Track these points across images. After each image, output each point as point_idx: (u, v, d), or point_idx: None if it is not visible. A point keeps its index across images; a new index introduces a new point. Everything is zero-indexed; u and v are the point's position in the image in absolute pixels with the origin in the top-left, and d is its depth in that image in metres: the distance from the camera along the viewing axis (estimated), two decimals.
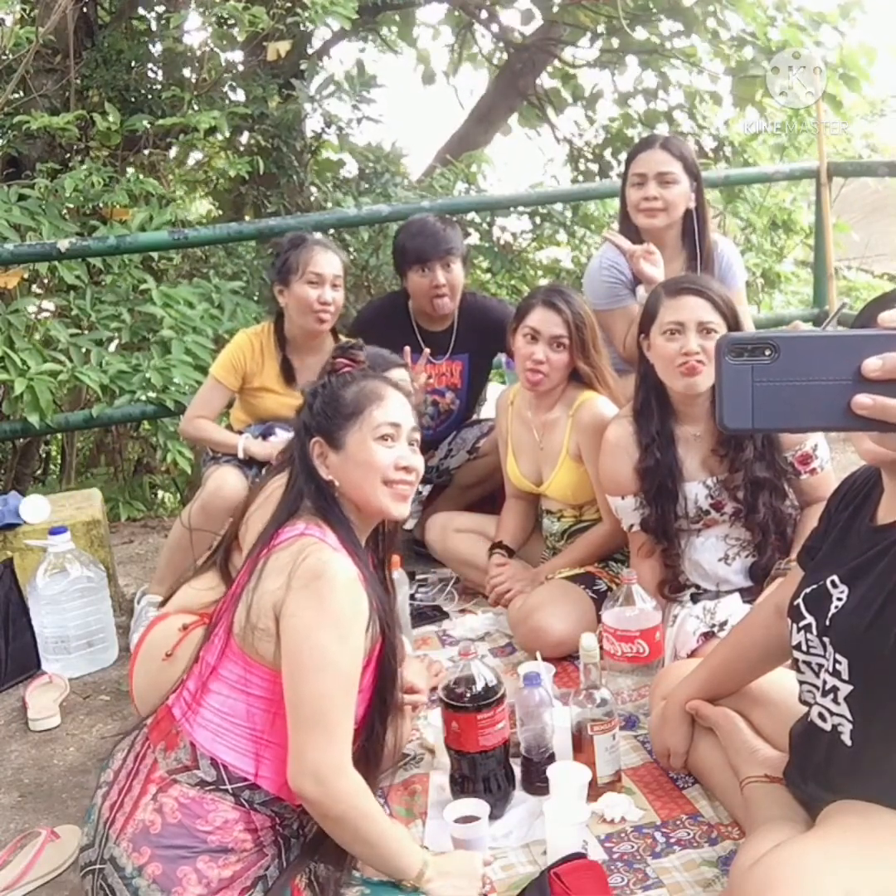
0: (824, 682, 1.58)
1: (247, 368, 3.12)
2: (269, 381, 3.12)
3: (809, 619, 1.61)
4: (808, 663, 1.62)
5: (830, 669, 1.56)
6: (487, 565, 2.95)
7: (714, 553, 2.54)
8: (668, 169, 3.01)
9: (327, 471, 1.78)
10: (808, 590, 1.64)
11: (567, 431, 2.80)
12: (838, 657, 1.55)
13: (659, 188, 3.01)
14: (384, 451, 1.79)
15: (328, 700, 1.59)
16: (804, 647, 1.62)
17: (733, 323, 2.39)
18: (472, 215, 5.72)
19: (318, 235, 3.23)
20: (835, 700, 1.56)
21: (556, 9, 6.29)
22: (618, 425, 2.59)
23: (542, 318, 2.74)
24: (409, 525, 3.61)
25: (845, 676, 1.54)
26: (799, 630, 1.64)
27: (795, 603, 1.65)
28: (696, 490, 2.50)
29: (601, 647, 2.27)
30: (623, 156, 6.63)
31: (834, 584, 1.59)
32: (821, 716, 1.60)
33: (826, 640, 1.57)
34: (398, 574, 2.73)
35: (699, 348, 2.36)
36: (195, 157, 5.56)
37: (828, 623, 1.57)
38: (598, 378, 2.80)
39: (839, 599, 1.56)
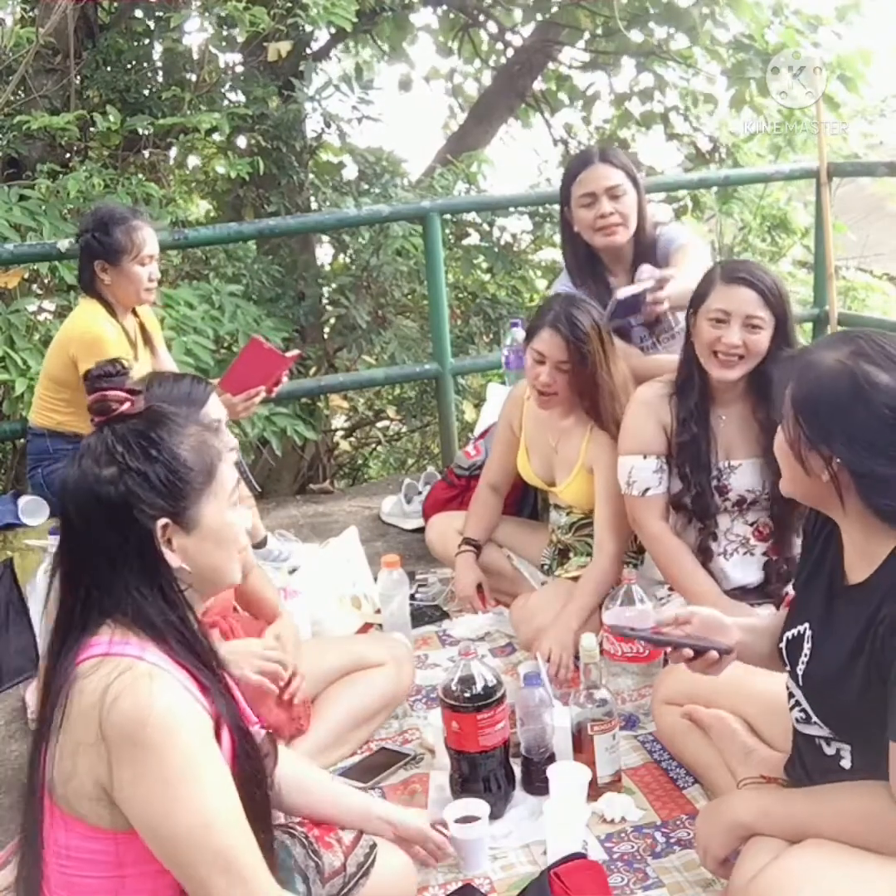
0: (801, 717, 1.64)
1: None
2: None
3: (788, 665, 1.66)
4: (792, 695, 1.66)
5: (806, 710, 1.61)
6: (457, 563, 2.90)
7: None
8: (616, 182, 2.89)
9: (178, 557, 1.38)
10: (789, 634, 1.67)
11: (584, 443, 2.73)
12: (810, 708, 1.60)
13: (612, 203, 2.89)
14: (239, 517, 1.47)
15: (230, 849, 1.26)
16: (789, 686, 1.68)
17: (783, 316, 2.34)
18: (472, 215, 5.72)
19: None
20: (819, 728, 1.60)
21: (555, 9, 6.29)
22: (648, 387, 2.56)
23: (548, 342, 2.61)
24: (412, 525, 3.62)
25: (818, 723, 1.59)
26: (786, 674, 1.69)
27: (780, 645, 1.69)
28: None
29: (601, 647, 2.28)
30: None
31: (804, 635, 1.62)
32: (808, 737, 1.64)
33: (799, 690, 1.62)
34: (398, 574, 2.74)
35: (740, 342, 2.33)
36: (194, 160, 5.56)
37: (800, 676, 1.62)
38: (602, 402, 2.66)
39: (806, 654, 1.61)
